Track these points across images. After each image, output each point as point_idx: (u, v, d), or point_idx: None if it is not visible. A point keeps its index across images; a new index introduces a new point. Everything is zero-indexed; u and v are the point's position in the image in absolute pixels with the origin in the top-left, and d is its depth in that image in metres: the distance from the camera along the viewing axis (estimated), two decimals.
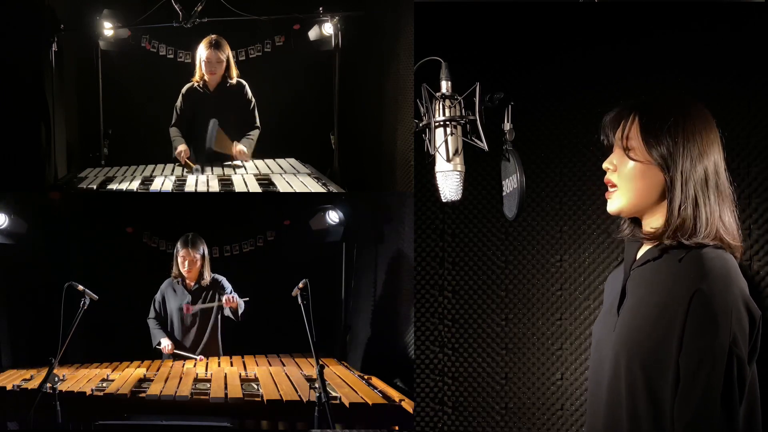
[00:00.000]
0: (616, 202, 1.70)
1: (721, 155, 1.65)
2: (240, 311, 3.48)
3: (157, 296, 3.58)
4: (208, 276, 3.54)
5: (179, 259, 3.52)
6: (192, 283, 3.54)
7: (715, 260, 1.57)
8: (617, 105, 1.72)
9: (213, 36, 3.21)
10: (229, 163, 3.27)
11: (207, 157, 3.27)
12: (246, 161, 3.26)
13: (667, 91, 2.36)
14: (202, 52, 3.23)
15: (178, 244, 3.52)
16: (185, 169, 3.21)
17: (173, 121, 3.32)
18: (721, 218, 1.62)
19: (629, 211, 1.70)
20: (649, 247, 1.70)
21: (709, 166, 1.62)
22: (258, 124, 3.32)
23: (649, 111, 1.67)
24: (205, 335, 3.50)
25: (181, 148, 3.27)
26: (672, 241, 1.62)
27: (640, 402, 1.58)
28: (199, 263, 3.51)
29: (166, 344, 3.44)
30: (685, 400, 1.51)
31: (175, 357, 3.42)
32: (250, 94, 3.31)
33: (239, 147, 3.26)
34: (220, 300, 3.46)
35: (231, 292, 3.51)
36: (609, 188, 1.71)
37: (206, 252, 3.55)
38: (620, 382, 1.62)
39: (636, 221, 1.75)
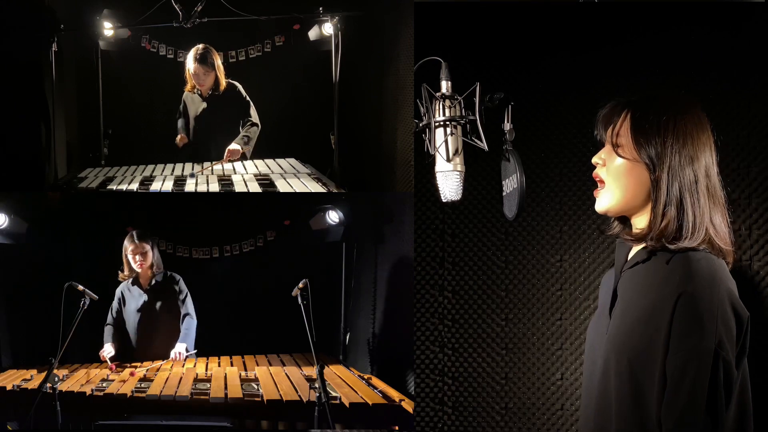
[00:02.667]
0: (604, 200, 1.70)
1: (713, 158, 1.64)
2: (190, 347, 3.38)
3: (114, 303, 3.49)
4: (160, 271, 3.47)
5: (129, 257, 3.41)
6: (146, 283, 3.46)
7: (701, 262, 1.56)
8: (612, 100, 1.72)
9: (200, 47, 3.21)
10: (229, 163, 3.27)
11: (202, 153, 3.31)
12: (237, 159, 3.24)
13: (666, 90, 2.36)
14: (189, 63, 3.24)
15: (125, 242, 3.43)
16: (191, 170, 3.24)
17: (177, 116, 3.38)
18: (712, 221, 1.60)
19: (617, 209, 1.69)
20: (639, 249, 1.70)
21: (699, 170, 1.61)
22: (257, 122, 3.32)
23: (641, 109, 1.66)
24: (170, 341, 3.39)
25: (180, 136, 3.35)
26: (656, 244, 1.61)
27: (627, 404, 1.57)
28: (150, 256, 3.42)
29: (108, 351, 3.27)
30: (670, 404, 1.50)
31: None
32: (244, 93, 3.32)
33: (230, 147, 3.24)
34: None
35: (183, 336, 3.39)
36: (598, 185, 1.71)
37: (156, 246, 3.47)
38: (609, 385, 1.62)
39: (625, 221, 1.75)
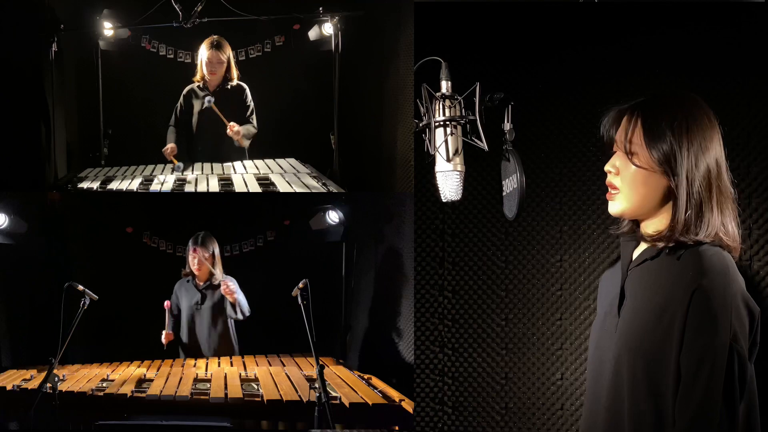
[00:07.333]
0: (618, 206, 1.69)
1: (722, 151, 1.65)
2: (243, 307, 3.44)
3: (172, 297, 3.59)
4: (219, 276, 3.52)
5: (189, 258, 3.53)
6: (201, 283, 3.53)
7: (713, 257, 1.58)
8: (617, 104, 1.71)
9: (214, 36, 3.23)
10: (229, 163, 3.27)
11: (201, 152, 3.31)
12: (237, 139, 3.26)
13: (667, 90, 2.36)
14: (203, 52, 3.26)
15: (190, 242, 3.54)
16: (170, 165, 3.25)
17: (171, 122, 3.35)
18: (723, 223, 1.62)
19: (632, 214, 1.70)
20: (646, 246, 1.70)
21: (711, 165, 1.62)
22: (255, 126, 3.33)
23: (651, 116, 1.65)
24: (217, 335, 3.49)
25: (169, 145, 3.32)
26: (669, 241, 1.62)
27: (642, 402, 1.58)
28: (208, 262, 3.50)
29: (164, 333, 3.46)
30: (686, 398, 1.51)
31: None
32: (249, 98, 3.32)
33: (236, 127, 3.26)
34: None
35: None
36: (611, 190, 1.71)
37: (217, 252, 3.54)
38: (622, 384, 1.62)
39: (635, 221, 1.75)
